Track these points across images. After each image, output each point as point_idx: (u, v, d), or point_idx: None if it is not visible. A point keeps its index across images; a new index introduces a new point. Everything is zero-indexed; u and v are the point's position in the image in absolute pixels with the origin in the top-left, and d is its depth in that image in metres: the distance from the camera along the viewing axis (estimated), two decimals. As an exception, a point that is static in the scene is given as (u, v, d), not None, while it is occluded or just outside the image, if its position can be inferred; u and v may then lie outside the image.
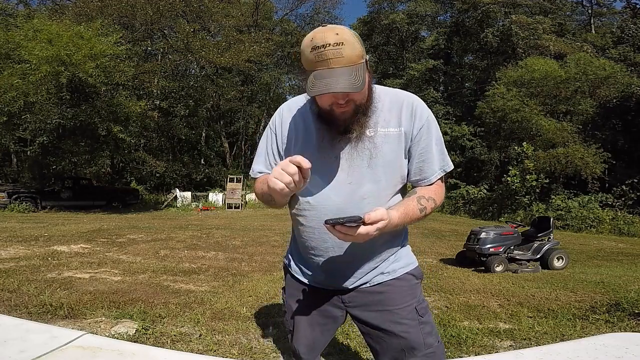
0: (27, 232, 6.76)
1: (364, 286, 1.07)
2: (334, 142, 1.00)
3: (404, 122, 1.01)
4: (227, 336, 2.42)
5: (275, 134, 1.09)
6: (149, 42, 19.76)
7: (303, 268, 1.13)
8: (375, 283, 1.07)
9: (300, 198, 1.05)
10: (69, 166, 15.66)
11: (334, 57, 0.84)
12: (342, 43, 0.84)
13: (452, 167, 1.08)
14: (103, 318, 2.57)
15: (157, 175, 18.74)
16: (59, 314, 2.62)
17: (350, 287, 1.07)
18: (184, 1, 17.59)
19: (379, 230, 0.86)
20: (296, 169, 0.82)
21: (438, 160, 1.04)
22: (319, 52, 0.84)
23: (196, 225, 9.21)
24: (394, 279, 1.07)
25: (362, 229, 0.83)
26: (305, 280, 1.12)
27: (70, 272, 4.01)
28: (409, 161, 1.04)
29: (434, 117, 1.06)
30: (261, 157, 1.12)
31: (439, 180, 1.06)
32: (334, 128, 0.97)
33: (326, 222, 0.84)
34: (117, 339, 2.16)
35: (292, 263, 1.17)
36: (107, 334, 2.22)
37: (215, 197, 16.38)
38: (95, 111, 12.51)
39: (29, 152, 15.72)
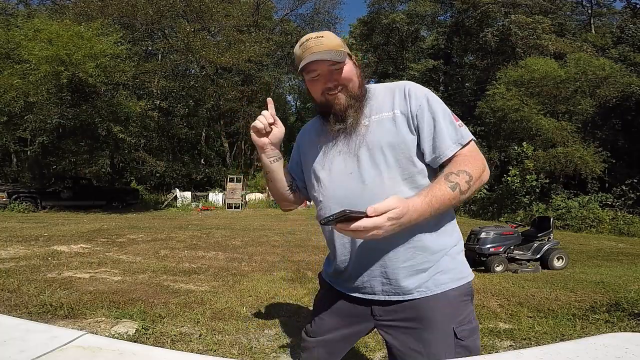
0: (27, 232, 6.76)
1: (396, 298, 0.96)
2: (333, 137, 1.05)
3: (397, 105, 1.00)
4: (227, 336, 2.42)
5: (298, 145, 1.21)
6: (149, 42, 19.75)
7: (335, 274, 1.09)
8: (409, 299, 0.95)
9: (315, 197, 1.10)
10: (69, 166, 15.66)
11: (315, 45, 0.98)
12: (322, 37, 1.00)
13: (469, 137, 0.97)
14: (103, 318, 2.58)
15: (157, 175, 18.73)
16: (59, 314, 2.62)
17: (383, 293, 0.97)
18: (185, 1, 17.58)
19: (394, 221, 0.77)
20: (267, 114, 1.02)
21: (449, 133, 0.95)
22: (303, 45, 1.00)
23: (196, 225, 9.21)
24: (434, 294, 0.94)
25: (368, 222, 0.75)
26: (339, 288, 1.08)
27: (70, 272, 4.01)
28: (421, 142, 0.97)
29: (433, 94, 1.01)
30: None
31: (465, 150, 0.95)
32: (333, 118, 1.02)
33: (320, 222, 0.83)
34: (117, 338, 2.16)
35: (327, 270, 1.15)
36: (107, 334, 2.22)
37: (215, 197, 16.37)
38: (96, 111, 12.51)
39: (29, 152, 15.71)
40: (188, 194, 16.13)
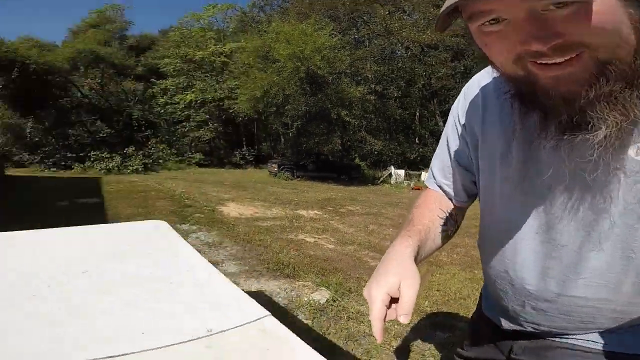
0: (286, 196, 8.74)
1: (551, 338, 0.63)
2: (547, 155, 0.52)
3: None
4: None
5: (457, 125, 0.67)
6: (354, 30, 21.30)
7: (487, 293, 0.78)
8: (564, 342, 0.61)
9: (485, 231, 0.70)
10: (314, 145, 19.81)
11: None
12: None
13: None
14: (309, 283, 3.08)
15: (375, 153, 20.57)
16: (285, 273, 3.32)
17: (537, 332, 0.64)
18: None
19: None
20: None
21: None
22: None
23: (406, 204, 9.50)
24: (612, 352, 0.58)
25: None
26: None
27: (303, 234, 4.99)
28: None
29: None
30: (437, 158, 0.75)
31: None
32: (550, 116, 0.46)
33: None
34: (312, 305, 2.63)
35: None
36: (306, 299, 2.74)
37: (428, 177, 16.24)
38: (327, 98, 14.93)
39: (290, 134, 20.86)
40: (402, 172, 16.85)
